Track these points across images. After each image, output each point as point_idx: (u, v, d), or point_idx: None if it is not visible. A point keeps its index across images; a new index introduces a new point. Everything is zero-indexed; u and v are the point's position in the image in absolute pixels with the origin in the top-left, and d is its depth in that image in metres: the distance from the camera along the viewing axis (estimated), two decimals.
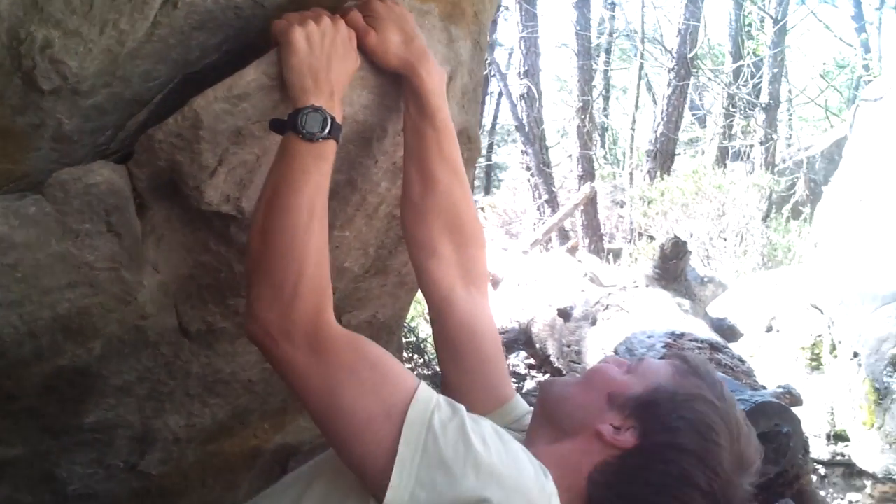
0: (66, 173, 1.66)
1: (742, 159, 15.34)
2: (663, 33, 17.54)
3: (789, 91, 18.50)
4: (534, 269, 7.81)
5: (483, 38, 2.39)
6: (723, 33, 17.48)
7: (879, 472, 4.75)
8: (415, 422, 1.47)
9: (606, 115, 20.37)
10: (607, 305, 5.62)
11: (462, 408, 1.54)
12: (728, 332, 6.18)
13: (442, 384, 2.01)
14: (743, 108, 16.16)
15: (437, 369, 2.16)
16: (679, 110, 15.16)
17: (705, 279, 8.33)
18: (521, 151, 15.55)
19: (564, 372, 5.98)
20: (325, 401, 1.55)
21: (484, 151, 24.21)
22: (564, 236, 12.95)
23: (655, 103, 16.24)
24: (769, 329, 6.24)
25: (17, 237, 1.63)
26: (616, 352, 4.89)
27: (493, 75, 18.27)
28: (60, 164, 1.69)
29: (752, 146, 15.38)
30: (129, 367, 2.07)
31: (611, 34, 19.71)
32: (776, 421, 3.62)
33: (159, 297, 1.98)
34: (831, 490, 5.08)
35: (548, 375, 6.85)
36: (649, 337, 4.79)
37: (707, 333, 5.03)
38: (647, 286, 5.91)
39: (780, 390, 4.09)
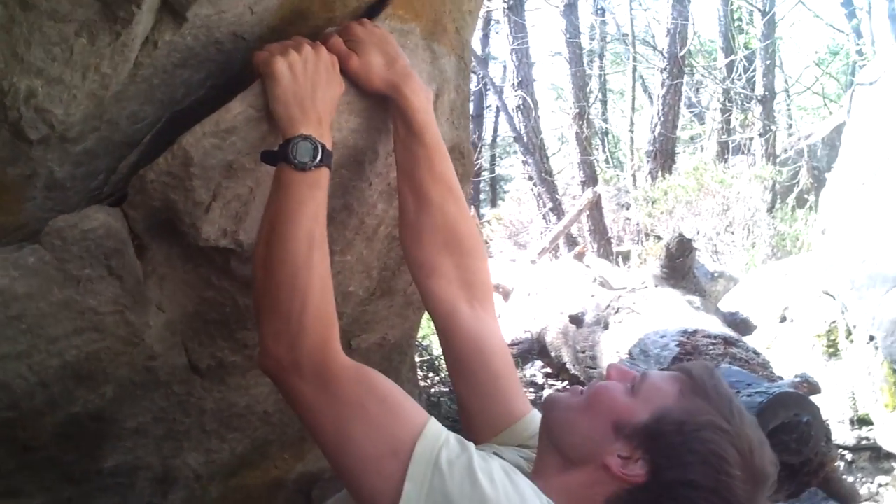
0: (61, 221, 1.66)
1: (743, 153, 15.32)
2: (654, 34, 17.58)
3: (785, 81, 18.49)
4: (543, 278, 7.80)
5: (467, 54, 2.40)
6: (713, 30, 17.53)
7: None
8: (421, 459, 1.46)
9: (605, 120, 20.39)
10: (618, 308, 5.60)
11: (471, 445, 1.52)
12: (741, 325, 6.13)
13: (457, 404, 2.01)
14: (739, 102, 16.17)
15: None
16: (675, 109, 15.17)
17: (715, 274, 8.30)
18: (522, 162, 15.59)
19: (582, 378, 5.97)
20: (335, 436, 1.54)
21: (487, 164, 24.27)
22: (573, 243, 12.92)
23: (652, 104, 16.23)
24: (783, 319, 6.22)
25: (19, 288, 1.64)
26: (630, 354, 4.88)
27: (489, 89, 18.33)
28: (55, 211, 1.69)
29: (751, 139, 15.37)
30: (143, 408, 2.07)
31: (602, 39, 19.77)
32: (795, 411, 3.60)
33: (167, 337, 1.98)
34: (860, 475, 5.05)
35: (565, 383, 6.84)
36: (662, 336, 4.77)
37: (720, 328, 5.01)
38: (656, 286, 5.89)
39: (798, 379, 4.07)
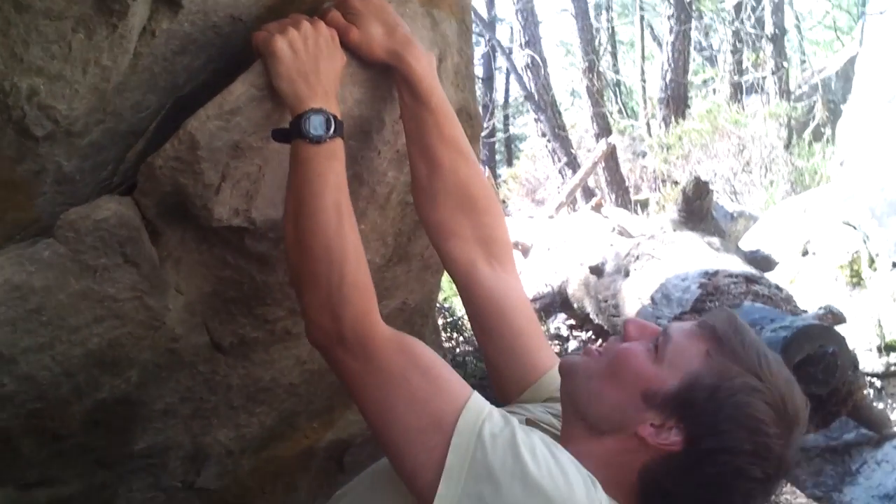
0: (73, 213, 1.69)
1: (756, 92, 15.20)
2: None
3: (795, 17, 18.29)
4: (561, 232, 7.80)
5: (468, 17, 2.39)
6: None
7: None
8: (464, 432, 1.45)
9: (617, 72, 20.23)
10: (638, 256, 5.60)
11: (514, 419, 1.50)
12: (763, 262, 6.14)
13: (485, 362, 2.02)
14: (750, 42, 16.01)
15: None
16: (685, 54, 15.04)
17: (734, 214, 8.29)
18: (535, 120, 15.54)
19: (606, 328, 5.98)
20: (379, 408, 1.55)
21: (500, 125, 24.20)
22: (590, 195, 12.87)
23: (662, 51, 16.10)
24: (805, 253, 6.20)
25: (36, 282, 1.66)
26: (653, 299, 4.89)
27: (497, 52, 18.24)
28: (67, 205, 1.71)
29: (764, 78, 15.23)
30: (170, 389, 2.10)
31: None
32: (820, 342, 3.62)
33: (187, 318, 2.00)
34: (890, 401, 5.06)
35: (590, 334, 6.87)
36: (683, 280, 4.78)
37: (741, 267, 5.02)
38: (674, 231, 5.89)
39: (822, 311, 4.09)
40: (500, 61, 22.37)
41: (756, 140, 12.09)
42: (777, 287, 4.66)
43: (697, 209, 5.93)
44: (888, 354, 5.10)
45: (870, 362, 5.08)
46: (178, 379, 2.10)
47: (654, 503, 1.59)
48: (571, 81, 19.60)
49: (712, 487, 1.54)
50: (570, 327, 7.23)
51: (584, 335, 6.97)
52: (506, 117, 25.63)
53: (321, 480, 2.80)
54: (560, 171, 14.72)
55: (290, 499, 2.72)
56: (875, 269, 5.20)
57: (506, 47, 19.41)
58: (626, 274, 5.59)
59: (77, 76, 1.56)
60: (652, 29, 19.79)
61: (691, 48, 16.39)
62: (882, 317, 5.15)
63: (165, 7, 1.66)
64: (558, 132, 14.86)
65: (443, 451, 1.44)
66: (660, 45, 17.47)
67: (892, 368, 5.09)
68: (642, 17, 16.87)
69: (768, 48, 15.12)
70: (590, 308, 6.40)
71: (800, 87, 15.46)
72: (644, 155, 15.11)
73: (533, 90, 15.04)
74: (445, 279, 2.68)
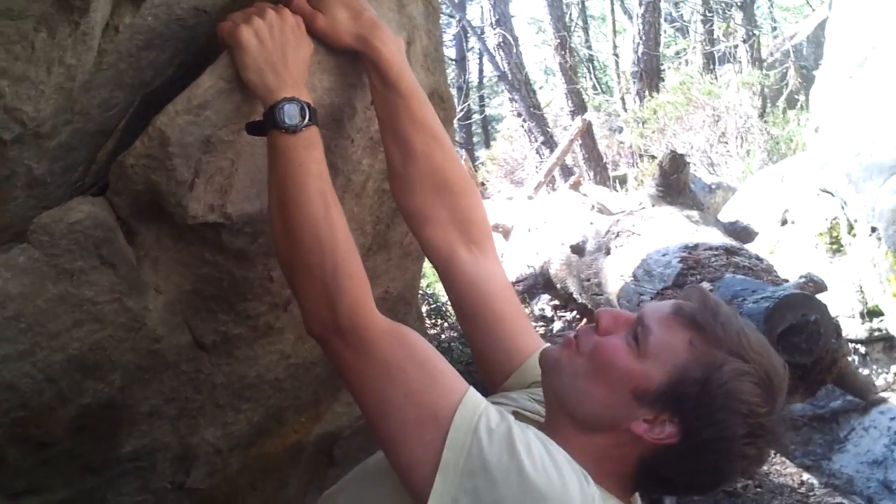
0: (46, 216, 1.66)
1: (729, 61, 15.27)
2: None
3: None
4: (541, 212, 7.81)
5: None
6: None
7: None
8: (461, 427, 1.45)
9: (589, 47, 20.24)
10: (618, 233, 5.61)
11: (510, 415, 1.51)
12: (742, 233, 6.15)
13: (470, 348, 2.02)
14: (720, 11, 16.06)
15: None
16: (656, 26, 15.10)
17: (712, 186, 8.33)
18: (510, 99, 15.56)
19: (590, 307, 5.99)
20: (376, 400, 1.54)
21: (476, 107, 24.19)
22: (569, 173, 12.91)
23: (633, 24, 16.14)
24: (784, 222, 6.21)
25: (13, 289, 1.64)
26: (635, 276, 4.90)
27: (468, 32, 18.23)
28: (40, 209, 1.69)
29: (736, 46, 15.29)
30: (154, 391, 2.08)
31: None
32: (802, 311, 3.62)
33: (168, 318, 1.98)
34: (874, 366, 5.09)
35: (575, 313, 6.88)
36: (664, 255, 4.79)
37: (720, 239, 5.03)
38: (653, 206, 5.90)
39: (803, 280, 4.10)
40: (473, 42, 22.38)
41: (730, 110, 12.13)
42: (757, 258, 4.67)
43: (675, 183, 5.94)
44: (871, 320, 5.12)
45: (853, 329, 5.11)
46: (162, 380, 2.08)
47: (651, 488, 1.60)
48: (544, 59, 19.64)
49: (710, 470, 1.56)
50: (555, 308, 7.23)
51: (568, 315, 6.99)
52: (481, 98, 25.67)
53: (311, 474, 2.80)
54: (537, 151, 14.77)
55: (281, 494, 2.71)
56: (854, 235, 5.21)
57: (477, 27, 19.43)
58: (608, 252, 5.60)
59: (42, 76, 1.54)
60: (622, 2, 19.79)
61: (662, 20, 16.43)
62: (863, 282, 5.17)
63: (127, 1, 1.64)
64: (533, 111, 14.89)
65: (439, 445, 1.44)
66: (630, 18, 17.49)
67: (875, 334, 5.11)
68: None
69: (738, 16, 15.18)
70: (573, 288, 6.41)
71: (772, 54, 15.53)
72: (620, 130, 15.16)
73: (506, 70, 15.07)
74: (427, 265, 2.67)
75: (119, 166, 1.73)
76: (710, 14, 16.06)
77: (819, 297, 3.88)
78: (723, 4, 15.81)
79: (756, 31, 15.19)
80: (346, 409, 2.72)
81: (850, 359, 4.59)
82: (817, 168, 5.65)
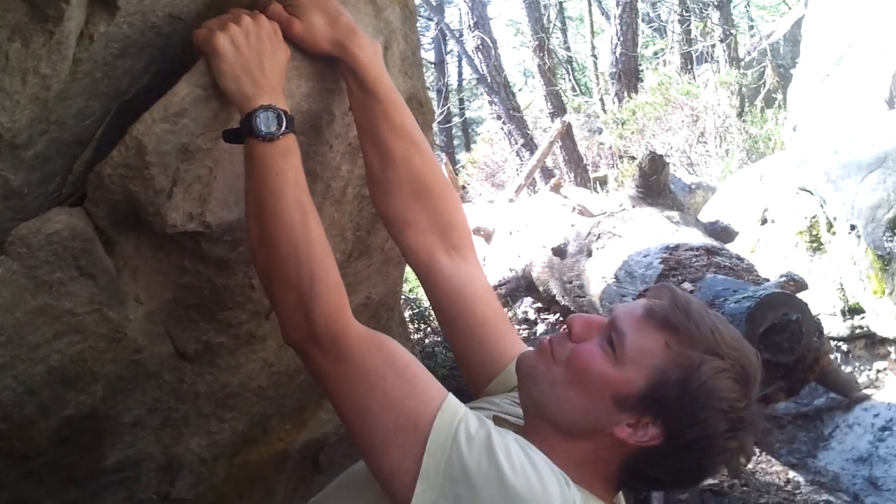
0: (24, 228, 1.65)
1: (707, 61, 15.32)
2: None
3: None
4: (523, 215, 7.81)
5: (411, 1, 2.37)
6: None
7: None
8: (440, 433, 1.45)
9: (568, 49, 20.28)
10: (599, 234, 5.62)
11: (489, 421, 1.51)
12: (723, 233, 6.18)
13: (453, 353, 2.03)
14: (697, 11, 16.11)
15: None
16: (633, 27, 15.14)
17: (692, 186, 8.35)
18: (489, 102, 15.57)
19: (573, 309, 5.99)
20: (355, 407, 1.54)
21: (456, 110, 24.20)
22: (550, 175, 12.92)
23: (611, 25, 16.20)
24: (764, 221, 6.24)
25: None
26: (616, 277, 4.91)
27: (447, 35, 18.24)
28: (17, 220, 1.67)
29: (713, 46, 15.35)
30: (137, 401, 2.07)
31: None
32: (784, 310, 3.64)
33: (149, 328, 1.97)
34: (857, 364, 5.11)
35: (557, 316, 6.88)
36: (645, 256, 4.80)
37: (701, 240, 5.05)
38: (634, 207, 5.91)
39: (783, 279, 4.12)
40: (451, 45, 22.40)
41: (709, 110, 12.17)
42: (738, 257, 4.68)
43: (655, 184, 5.95)
44: (852, 317, 5.15)
45: (834, 326, 5.14)
46: (144, 390, 2.07)
47: (636, 486, 1.61)
48: (523, 61, 19.67)
49: (694, 467, 1.59)
50: (538, 310, 7.24)
51: (551, 318, 6.99)
52: (461, 101, 25.66)
53: (297, 482, 2.79)
54: (517, 153, 14.77)
55: (267, 502, 2.70)
56: (834, 233, 5.23)
57: (455, 30, 19.43)
58: (589, 253, 5.61)
59: (17, 86, 1.52)
60: (600, 3, 19.84)
61: (639, 20, 16.47)
62: (843, 280, 5.19)
63: (102, 10, 1.62)
64: (513, 113, 14.90)
65: (419, 452, 1.44)
66: (608, 18, 17.54)
67: (857, 331, 5.14)
68: None
69: (715, 15, 15.24)
70: (555, 290, 6.42)
71: (749, 53, 15.59)
72: (600, 131, 15.19)
73: (485, 72, 15.07)
74: (409, 270, 2.67)
75: (96, 176, 1.72)
76: (688, 14, 16.12)
77: (800, 295, 3.90)
78: (700, 4, 15.87)
79: (733, 31, 15.26)
80: (330, 416, 2.70)
81: (832, 357, 4.62)
82: (796, 167, 5.68)
